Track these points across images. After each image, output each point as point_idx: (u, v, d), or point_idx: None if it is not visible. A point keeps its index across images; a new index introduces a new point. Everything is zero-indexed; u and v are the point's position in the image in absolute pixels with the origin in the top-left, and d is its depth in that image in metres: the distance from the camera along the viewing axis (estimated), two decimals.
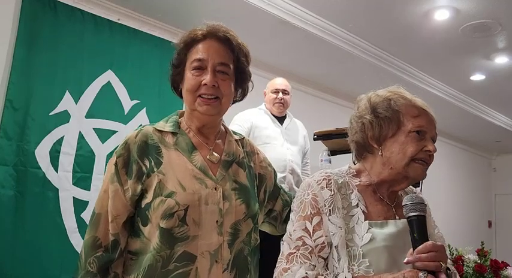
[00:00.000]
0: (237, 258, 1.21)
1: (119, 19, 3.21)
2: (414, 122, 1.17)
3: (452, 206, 6.79)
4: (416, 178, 1.20)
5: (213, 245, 1.16)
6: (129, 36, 3.22)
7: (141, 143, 1.21)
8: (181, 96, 1.31)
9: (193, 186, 1.18)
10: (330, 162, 2.39)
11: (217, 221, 1.18)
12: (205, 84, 1.21)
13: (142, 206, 1.18)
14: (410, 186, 1.32)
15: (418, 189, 2.37)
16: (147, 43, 3.30)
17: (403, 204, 1.10)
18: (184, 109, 1.33)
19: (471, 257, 2.20)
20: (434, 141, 1.20)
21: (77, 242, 2.84)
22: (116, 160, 1.20)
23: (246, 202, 1.25)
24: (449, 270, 1.12)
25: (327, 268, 1.13)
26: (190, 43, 1.25)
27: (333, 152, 2.37)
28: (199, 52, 1.23)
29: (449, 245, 2.22)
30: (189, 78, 1.23)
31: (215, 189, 1.21)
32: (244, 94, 1.35)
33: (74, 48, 2.96)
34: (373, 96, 1.24)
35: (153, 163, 1.19)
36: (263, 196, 1.37)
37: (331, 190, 1.16)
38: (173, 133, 1.26)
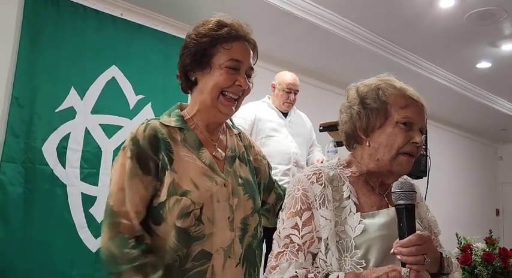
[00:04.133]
0: (247, 252, 1.23)
1: (121, 14, 3.20)
2: (401, 113, 1.15)
3: (460, 195, 6.77)
4: (401, 173, 1.18)
5: (226, 241, 1.18)
6: (132, 31, 3.21)
7: (151, 138, 1.19)
8: (188, 85, 1.29)
9: (205, 184, 1.18)
10: (337, 153, 2.38)
11: (228, 217, 1.19)
12: (239, 85, 1.22)
13: (155, 205, 1.17)
14: None
15: (425, 179, 2.37)
16: (150, 38, 3.30)
17: (392, 191, 1.08)
18: (193, 102, 1.29)
19: (479, 245, 2.19)
20: (423, 132, 1.18)
21: (86, 237, 2.87)
22: (131, 155, 1.16)
23: (252, 197, 1.27)
24: (445, 256, 1.12)
25: (315, 263, 1.12)
26: (224, 37, 1.23)
27: (339, 143, 2.36)
28: (236, 52, 1.23)
29: (457, 234, 2.22)
30: (223, 74, 1.22)
31: (224, 185, 1.22)
32: None
33: (77, 45, 2.96)
34: (361, 86, 1.22)
35: (166, 160, 1.18)
36: (258, 189, 1.38)
37: (321, 184, 1.15)
38: (180, 129, 1.24)
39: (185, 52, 1.26)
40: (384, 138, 1.16)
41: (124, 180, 1.15)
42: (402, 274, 0.99)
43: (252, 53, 1.28)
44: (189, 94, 1.31)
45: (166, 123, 1.24)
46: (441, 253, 1.13)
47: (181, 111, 1.30)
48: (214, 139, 1.29)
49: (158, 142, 1.19)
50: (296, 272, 1.07)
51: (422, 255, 1.00)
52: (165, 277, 1.12)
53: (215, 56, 1.22)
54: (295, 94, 2.98)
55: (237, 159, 1.31)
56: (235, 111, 1.27)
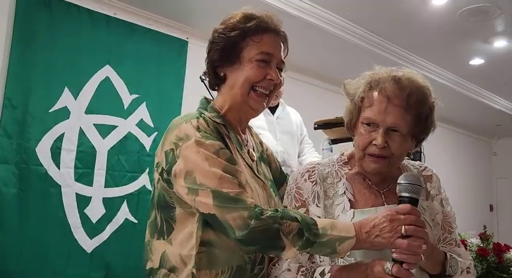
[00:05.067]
0: None
1: (115, 13, 3.18)
2: (365, 113, 1.12)
3: (454, 191, 6.78)
4: (374, 173, 1.15)
5: None
6: (125, 30, 3.20)
7: (217, 131, 1.14)
8: (216, 82, 1.23)
9: (253, 185, 1.16)
10: (332, 151, 2.39)
11: None
12: (270, 79, 1.17)
13: None
14: (412, 164, 1.27)
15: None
16: (144, 37, 3.28)
17: (397, 182, 1.06)
18: (222, 99, 1.23)
19: (474, 241, 2.21)
20: (399, 130, 1.09)
21: (81, 237, 2.86)
22: (216, 148, 1.08)
23: (280, 198, 1.26)
24: (449, 256, 1.11)
25: (313, 258, 1.14)
26: (253, 30, 1.18)
27: (334, 141, 2.36)
28: (266, 45, 1.18)
29: None
30: (253, 68, 1.16)
31: (263, 188, 1.20)
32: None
33: (71, 44, 2.94)
34: (347, 84, 1.21)
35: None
36: None
37: (313, 181, 1.17)
38: (224, 126, 1.19)
39: (213, 47, 1.20)
40: (356, 139, 1.16)
41: (220, 162, 1.07)
42: (385, 268, 0.99)
43: (282, 45, 1.23)
44: (216, 91, 1.26)
45: (213, 119, 1.17)
46: (445, 254, 1.11)
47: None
48: (245, 139, 1.26)
49: (222, 135, 1.14)
50: (289, 266, 1.10)
51: (419, 254, 0.98)
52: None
53: (245, 50, 1.17)
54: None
55: (261, 160, 1.30)
56: (266, 107, 1.22)
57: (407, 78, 1.12)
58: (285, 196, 1.22)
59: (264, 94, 1.19)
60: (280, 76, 1.22)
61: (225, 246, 1.08)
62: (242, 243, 1.01)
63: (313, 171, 1.19)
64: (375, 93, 1.11)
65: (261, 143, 1.38)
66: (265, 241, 1.01)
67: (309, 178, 1.18)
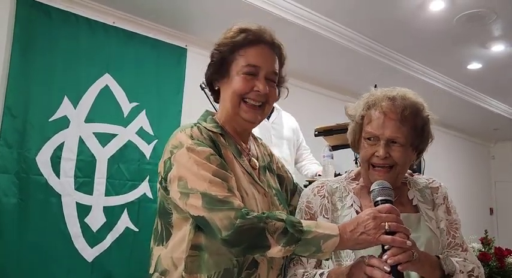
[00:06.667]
0: (286, 262, 1.24)
1: (113, 22, 3.20)
2: (366, 129, 1.22)
3: (454, 195, 6.76)
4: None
5: None
6: (124, 38, 3.21)
7: (211, 139, 1.17)
8: (215, 95, 1.29)
9: (251, 191, 1.18)
10: (332, 158, 2.38)
11: None
12: (257, 91, 1.19)
13: None
14: (419, 179, 1.34)
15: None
16: (143, 45, 3.29)
17: (370, 190, 1.15)
18: (220, 110, 1.28)
19: (475, 245, 2.21)
20: (396, 141, 1.18)
21: (82, 246, 2.85)
22: (207, 155, 1.11)
23: (285, 208, 1.29)
24: (441, 257, 1.15)
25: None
26: (240, 43, 1.21)
27: (335, 147, 2.36)
28: (252, 57, 1.20)
29: None
30: (239, 81, 1.19)
31: (264, 195, 1.22)
32: (278, 96, 1.34)
33: (70, 53, 2.95)
34: (347, 107, 1.30)
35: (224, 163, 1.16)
36: (285, 195, 1.39)
37: (321, 195, 1.27)
38: (221, 135, 1.23)
39: (210, 63, 1.26)
40: (360, 153, 1.26)
41: (208, 168, 1.09)
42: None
43: (275, 57, 1.24)
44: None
45: (208, 128, 1.21)
46: (438, 257, 1.15)
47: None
48: (246, 148, 1.29)
49: (215, 146, 1.17)
50: (296, 272, 1.19)
51: (410, 252, 1.02)
52: None
53: (233, 64, 1.21)
54: None
55: (266, 169, 1.33)
56: (261, 119, 1.24)
57: (401, 96, 1.23)
58: (296, 211, 1.30)
59: (255, 105, 1.21)
60: (273, 87, 1.24)
61: (215, 250, 1.11)
62: (228, 243, 1.03)
63: (322, 187, 1.30)
64: (373, 111, 1.22)
65: (270, 155, 1.42)
66: (251, 240, 1.03)
67: (318, 193, 1.28)
